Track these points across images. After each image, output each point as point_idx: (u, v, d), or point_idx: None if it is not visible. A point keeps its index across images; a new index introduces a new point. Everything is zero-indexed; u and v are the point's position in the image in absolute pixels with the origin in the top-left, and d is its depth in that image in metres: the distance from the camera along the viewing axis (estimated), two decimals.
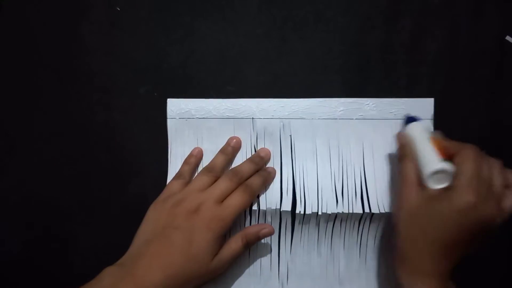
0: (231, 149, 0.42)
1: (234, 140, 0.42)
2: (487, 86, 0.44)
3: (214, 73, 0.44)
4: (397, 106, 0.43)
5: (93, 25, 0.45)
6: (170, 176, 0.43)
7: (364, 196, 0.41)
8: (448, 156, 0.36)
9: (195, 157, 0.42)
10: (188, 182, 0.40)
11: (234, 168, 0.41)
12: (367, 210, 0.40)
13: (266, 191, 0.41)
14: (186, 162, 0.42)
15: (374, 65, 0.44)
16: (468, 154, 0.35)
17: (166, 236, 0.35)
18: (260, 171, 0.41)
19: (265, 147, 0.43)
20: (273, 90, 0.44)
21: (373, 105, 0.43)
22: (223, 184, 0.38)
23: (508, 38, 0.44)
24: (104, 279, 0.34)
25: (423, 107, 0.42)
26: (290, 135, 0.43)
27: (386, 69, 0.44)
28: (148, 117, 0.44)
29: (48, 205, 0.44)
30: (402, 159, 0.38)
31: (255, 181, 0.40)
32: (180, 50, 0.44)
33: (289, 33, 0.44)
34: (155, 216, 0.38)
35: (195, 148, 0.43)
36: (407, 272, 0.35)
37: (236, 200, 0.37)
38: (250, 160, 0.42)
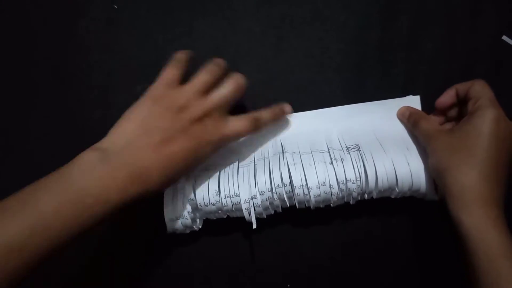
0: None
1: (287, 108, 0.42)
2: None
3: None
4: (383, 108, 0.42)
5: (91, 22, 0.45)
6: None
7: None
8: (461, 97, 0.39)
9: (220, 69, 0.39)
10: (185, 71, 0.38)
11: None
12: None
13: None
14: (183, 51, 0.39)
15: (372, 63, 0.44)
16: (482, 82, 0.38)
17: (172, 135, 0.34)
18: (274, 106, 0.41)
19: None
20: (270, 88, 0.44)
21: (358, 111, 0.43)
22: (226, 90, 0.37)
23: (504, 37, 0.44)
24: (81, 175, 0.30)
25: (411, 105, 0.42)
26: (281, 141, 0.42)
27: (383, 67, 0.44)
28: None
29: None
30: (417, 122, 0.40)
31: (264, 114, 0.39)
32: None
33: (286, 31, 0.44)
34: (156, 113, 0.35)
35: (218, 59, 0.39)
36: (467, 207, 0.34)
37: (240, 125, 0.37)
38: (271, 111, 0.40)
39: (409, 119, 0.41)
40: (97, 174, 0.31)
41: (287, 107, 0.42)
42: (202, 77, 0.37)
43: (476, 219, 0.33)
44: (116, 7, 0.45)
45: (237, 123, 0.37)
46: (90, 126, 0.44)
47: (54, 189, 0.30)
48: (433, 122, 0.39)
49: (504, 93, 0.44)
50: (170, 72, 0.37)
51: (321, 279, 0.44)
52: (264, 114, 0.39)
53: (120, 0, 0.44)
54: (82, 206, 0.29)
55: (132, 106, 0.36)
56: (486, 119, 0.35)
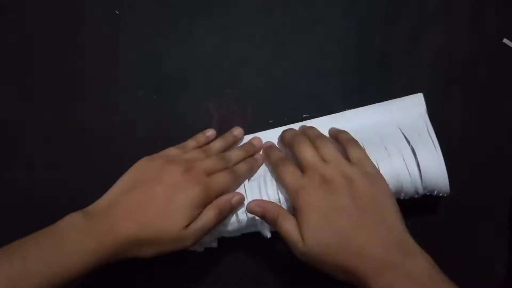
0: (233, 138, 0.42)
1: (238, 130, 0.42)
2: (485, 89, 0.44)
3: (213, 76, 0.44)
4: (386, 108, 0.42)
5: (92, 28, 0.45)
6: None
7: None
8: None
9: (206, 138, 0.42)
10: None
11: (224, 153, 0.40)
12: None
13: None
14: (195, 138, 0.42)
15: (372, 68, 0.44)
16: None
17: (149, 188, 0.34)
18: (248, 159, 0.41)
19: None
20: (271, 93, 0.44)
21: (361, 114, 0.42)
22: (212, 161, 0.38)
23: (505, 41, 0.44)
24: (65, 228, 0.32)
25: (414, 103, 0.42)
26: None
27: (384, 72, 0.44)
28: (147, 121, 0.44)
29: (45, 208, 0.44)
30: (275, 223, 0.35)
31: (242, 167, 0.40)
32: (178, 54, 0.45)
33: (287, 36, 0.44)
34: (142, 168, 0.37)
35: (209, 130, 0.42)
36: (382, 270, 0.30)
37: (223, 178, 0.37)
38: (241, 147, 0.41)
39: (265, 218, 0.36)
40: (77, 227, 0.32)
41: (261, 160, 0.42)
42: (209, 161, 0.38)
43: None
44: (117, 12, 0.45)
45: (218, 178, 0.37)
46: (91, 131, 0.44)
47: (40, 241, 0.32)
48: (293, 220, 0.34)
49: (505, 96, 0.44)
50: (170, 150, 0.39)
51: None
52: (242, 166, 0.40)
53: (121, 6, 0.45)
54: (63, 255, 0.31)
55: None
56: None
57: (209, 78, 0.44)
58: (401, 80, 0.44)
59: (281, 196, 0.38)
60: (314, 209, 0.33)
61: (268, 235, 0.38)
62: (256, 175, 0.40)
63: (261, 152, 0.42)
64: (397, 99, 0.42)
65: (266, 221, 0.36)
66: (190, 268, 0.43)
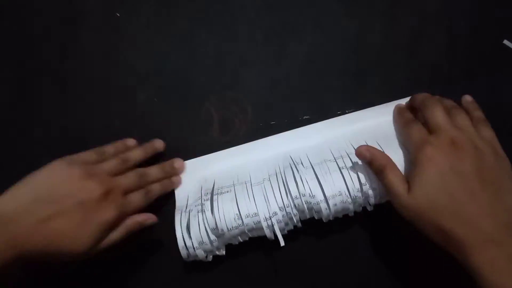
0: (153, 150, 0.42)
1: (158, 143, 0.42)
2: (486, 90, 0.44)
3: (214, 78, 0.44)
4: (387, 110, 0.42)
5: (93, 30, 0.45)
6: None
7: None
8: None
9: (125, 147, 0.41)
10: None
11: (144, 169, 0.40)
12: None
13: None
14: (113, 145, 0.41)
15: (373, 68, 0.44)
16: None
17: (64, 204, 0.33)
18: (164, 181, 0.41)
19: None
20: (272, 94, 0.44)
21: (363, 117, 0.42)
22: (131, 179, 0.38)
23: (506, 42, 0.44)
24: None
25: None
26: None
27: (384, 73, 0.44)
28: (148, 123, 0.44)
29: None
30: (381, 172, 0.35)
31: (156, 189, 0.40)
32: (179, 55, 0.45)
33: (287, 38, 0.45)
34: (59, 177, 0.35)
35: (129, 139, 0.42)
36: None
37: (138, 200, 0.37)
38: (161, 167, 0.41)
39: (371, 165, 0.36)
40: None
41: (178, 182, 0.42)
42: (129, 179, 0.38)
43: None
44: (118, 15, 0.45)
45: (134, 200, 0.37)
46: (91, 133, 0.44)
47: None
48: (399, 173, 0.34)
49: (505, 97, 0.44)
50: (88, 155, 0.38)
51: None
52: (156, 187, 0.40)
53: (121, 8, 0.45)
54: None
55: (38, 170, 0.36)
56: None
57: (209, 79, 0.44)
58: (401, 81, 0.44)
59: (291, 194, 0.37)
60: (433, 165, 0.32)
61: (282, 243, 0.37)
62: (260, 179, 0.40)
63: (180, 176, 0.42)
64: (397, 100, 0.42)
65: (372, 168, 0.36)
66: (196, 274, 0.42)
